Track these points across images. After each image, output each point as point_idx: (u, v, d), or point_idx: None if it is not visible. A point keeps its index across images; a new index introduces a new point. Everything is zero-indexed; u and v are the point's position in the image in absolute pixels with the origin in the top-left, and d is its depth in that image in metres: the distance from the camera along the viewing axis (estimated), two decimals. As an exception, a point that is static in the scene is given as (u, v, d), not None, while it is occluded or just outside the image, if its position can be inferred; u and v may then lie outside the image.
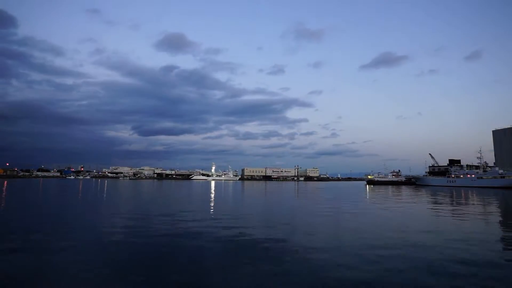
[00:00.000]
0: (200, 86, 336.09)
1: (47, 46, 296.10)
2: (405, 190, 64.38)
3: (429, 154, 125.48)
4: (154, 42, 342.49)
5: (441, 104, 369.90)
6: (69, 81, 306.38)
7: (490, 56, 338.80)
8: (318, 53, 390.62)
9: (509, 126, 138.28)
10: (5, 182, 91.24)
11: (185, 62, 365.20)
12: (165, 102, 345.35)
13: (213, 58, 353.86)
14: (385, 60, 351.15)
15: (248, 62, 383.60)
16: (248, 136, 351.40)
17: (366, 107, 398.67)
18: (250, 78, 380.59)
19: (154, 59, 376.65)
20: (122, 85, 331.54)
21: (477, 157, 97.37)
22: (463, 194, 49.34)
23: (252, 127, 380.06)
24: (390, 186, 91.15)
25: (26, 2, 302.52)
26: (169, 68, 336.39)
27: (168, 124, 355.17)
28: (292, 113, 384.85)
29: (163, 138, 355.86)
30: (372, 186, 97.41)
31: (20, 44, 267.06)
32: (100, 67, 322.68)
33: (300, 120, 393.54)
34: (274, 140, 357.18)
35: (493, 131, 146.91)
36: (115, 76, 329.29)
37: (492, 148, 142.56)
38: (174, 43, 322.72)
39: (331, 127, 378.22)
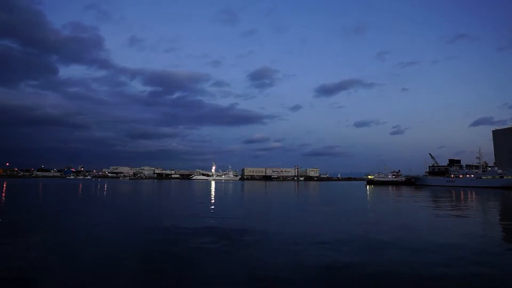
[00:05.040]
0: (190, 105, 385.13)
1: (78, 82, 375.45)
2: (405, 191, 64.50)
3: (429, 154, 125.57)
4: (151, 79, 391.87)
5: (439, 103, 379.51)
6: (87, 103, 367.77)
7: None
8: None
9: (509, 126, 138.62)
10: (5, 182, 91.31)
11: (175, 91, 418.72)
12: (163, 115, 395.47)
13: (199, 86, 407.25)
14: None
15: (224, 91, 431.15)
16: (243, 139, 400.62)
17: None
18: (230, 101, 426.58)
19: (152, 89, 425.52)
20: (128, 106, 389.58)
21: (477, 157, 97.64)
22: (462, 194, 49.43)
23: (246, 132, 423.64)
24: (390, 186, 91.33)
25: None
26: (164, 94, 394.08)
27: (167, 129, 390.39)
28: (280, 123, 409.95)
29: (162, 140, 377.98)
30: (372, 186, 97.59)
31: (60, 84, 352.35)
32: (113, 96, 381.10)
33: (288, 129, 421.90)
34: (269, 143, 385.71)
35: (493, 131, 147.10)
36: (124, 101, 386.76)
37: (492, 148, 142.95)
38: (167, 79, 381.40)
39: (322, 133, 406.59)
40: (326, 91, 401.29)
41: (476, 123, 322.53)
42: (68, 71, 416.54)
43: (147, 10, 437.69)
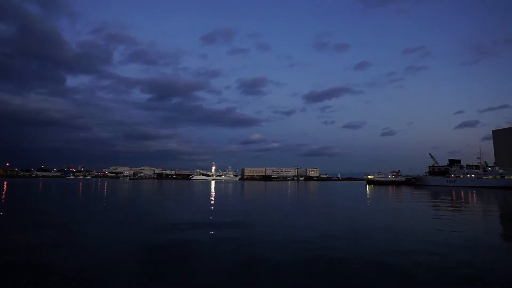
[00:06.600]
0: (189, 109, 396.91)
1: (84, 90, 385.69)
2: (405, 191, 64.28)
3: (429, 154, 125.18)
4: (151, 87, 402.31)
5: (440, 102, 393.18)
6: (91, 109, 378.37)
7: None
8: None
9: (509, 126, 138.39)
10: (5, 182, 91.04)
11: (174, 97, 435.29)
12: (162, 118, 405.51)
13: (196, 94, 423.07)
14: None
15: (221, 98, 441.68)
16: (242, 140, 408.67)
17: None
18: (227, 105, 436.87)
19: (152, 96, 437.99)
20: (129, 111, 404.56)
21: (477, 157, 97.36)
22: (462, 195, 49.20)
23: (245, 133, 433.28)
24: (390, 186, 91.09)
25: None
26: (163, 100, 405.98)
27: (166, 131, 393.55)
28: (276, 126, 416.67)
29: (162, 140, 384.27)
30: (372, 186, 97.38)
31: (70, 92, 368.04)
32: (116, 102, 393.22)
33: (285, 131, 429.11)
34: (267, 144, 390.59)
35: (493, 131, 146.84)
36: (125, 107, 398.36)
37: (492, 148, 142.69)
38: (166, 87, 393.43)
39: (318, 135, 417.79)
40: (316, 97, 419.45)
41: (461, 126, 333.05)
42: (76, 80, 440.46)
43: (151, 29, 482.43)
